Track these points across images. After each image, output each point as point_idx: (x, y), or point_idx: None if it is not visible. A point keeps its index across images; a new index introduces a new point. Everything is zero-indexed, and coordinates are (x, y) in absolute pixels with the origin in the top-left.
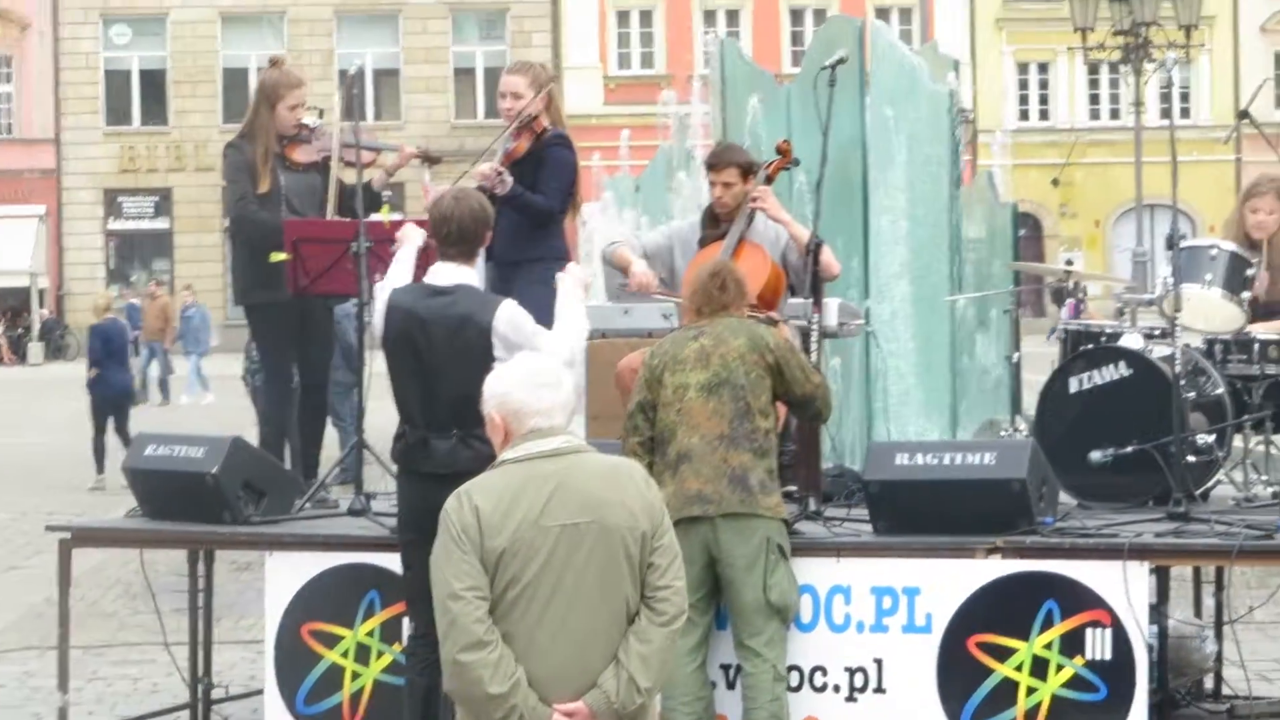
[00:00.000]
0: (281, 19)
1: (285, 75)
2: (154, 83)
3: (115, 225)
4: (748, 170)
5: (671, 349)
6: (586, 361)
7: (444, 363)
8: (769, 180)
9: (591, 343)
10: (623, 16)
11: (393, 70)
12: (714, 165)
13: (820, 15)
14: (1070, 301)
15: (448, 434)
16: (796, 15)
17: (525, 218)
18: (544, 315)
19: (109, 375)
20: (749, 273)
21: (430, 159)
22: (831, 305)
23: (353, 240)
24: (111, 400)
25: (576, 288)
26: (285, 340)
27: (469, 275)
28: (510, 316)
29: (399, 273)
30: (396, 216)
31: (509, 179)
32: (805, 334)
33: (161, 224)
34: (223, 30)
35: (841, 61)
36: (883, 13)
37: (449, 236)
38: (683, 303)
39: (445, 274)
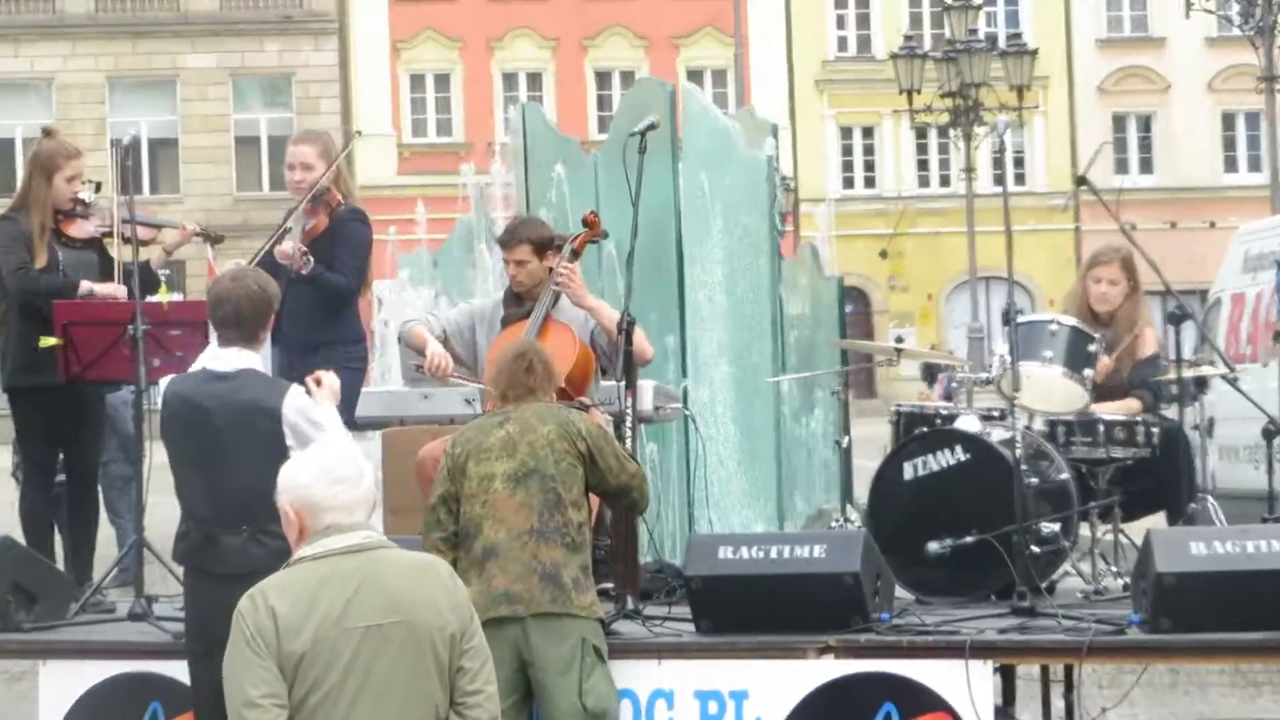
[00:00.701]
0: (49, 86)
1: (62, 146)
2: None
3: None
4: (543, 246)
5: (475, 436)
6: (384, 451)
7: (230, 453)
8: (575, 255)
9: (389, 431)
10: (417, 81)
11: (170, 140)
12: (506, 243)
13: (628, 78)
14: (941, 378)
15: (237, 530)
16: (602, 78)
17: (323, 298)
18: (343, 401)
19: None
20: (556, 354)
21: (211, 238)
22: (646, 388)
23: (129, 323)
24: None
25: (329, 397)
26: (52, 430)
27: (253, 360)
28: (299, 404)
29: None
30: (175, 297)
31: (311, 258)
32: (619, 419)
33: None
34: None
35: (652, 127)
36: (695, 75)
37: (225, 319)
38: (486, 387)
39: (226, 359)
